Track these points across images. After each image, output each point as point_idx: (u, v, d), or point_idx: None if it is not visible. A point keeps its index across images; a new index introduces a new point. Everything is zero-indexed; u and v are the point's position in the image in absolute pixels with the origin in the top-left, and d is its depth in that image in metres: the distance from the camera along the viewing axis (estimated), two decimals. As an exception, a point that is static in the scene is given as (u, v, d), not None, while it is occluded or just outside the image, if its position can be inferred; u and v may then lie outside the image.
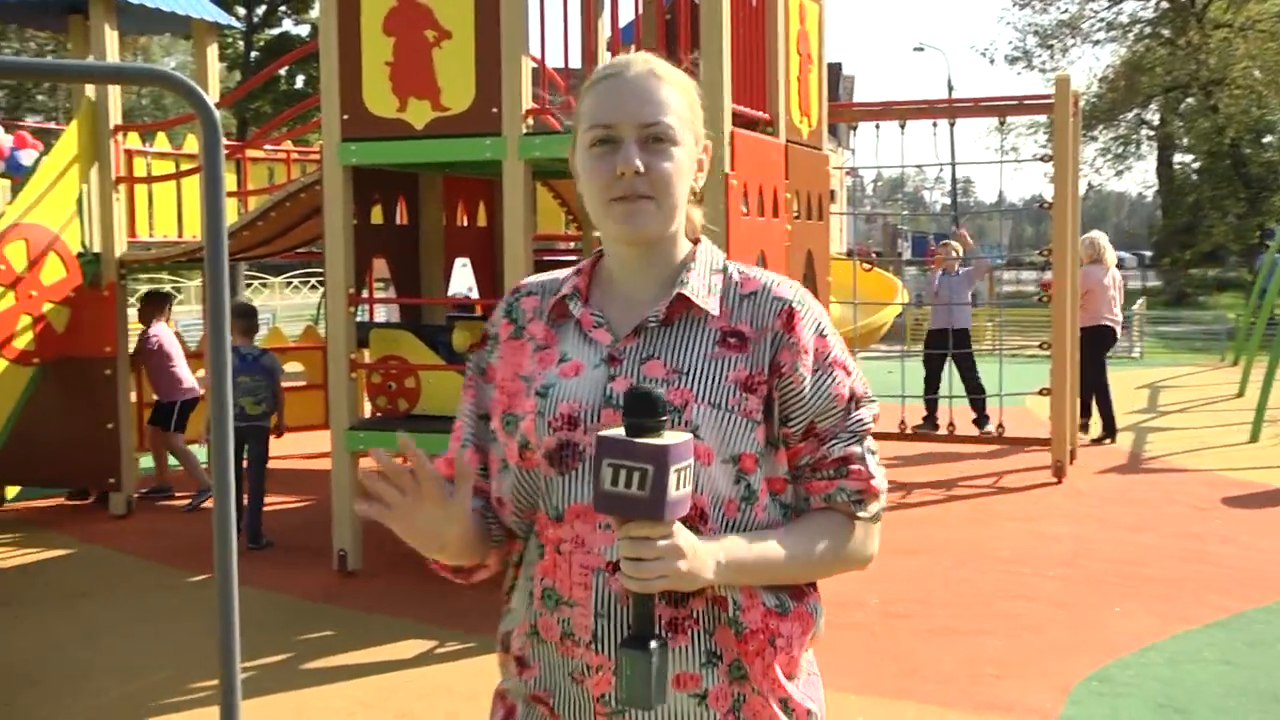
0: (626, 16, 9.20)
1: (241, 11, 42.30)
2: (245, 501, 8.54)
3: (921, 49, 74.98)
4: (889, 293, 14.34)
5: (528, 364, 2.07)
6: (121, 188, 10.07)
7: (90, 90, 10.05)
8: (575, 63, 8.24)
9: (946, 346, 12.47)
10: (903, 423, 11.48)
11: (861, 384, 2.08)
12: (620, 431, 1.77)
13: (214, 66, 11.15)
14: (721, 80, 7.06)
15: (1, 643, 6.82)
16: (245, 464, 8.66)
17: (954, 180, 34.88)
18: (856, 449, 2.04)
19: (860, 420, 2.06)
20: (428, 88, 7.51)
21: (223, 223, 2.31)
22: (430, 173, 8.86)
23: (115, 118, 10.06)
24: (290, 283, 34.24)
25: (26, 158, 11.35)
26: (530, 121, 7.42)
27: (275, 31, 46.25)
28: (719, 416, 1.95)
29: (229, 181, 11.13)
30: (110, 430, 9.70)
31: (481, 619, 6.97)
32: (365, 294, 8.91)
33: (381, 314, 14.72)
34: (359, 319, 8.38)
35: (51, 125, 12.76)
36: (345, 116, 7.66)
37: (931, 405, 12.46)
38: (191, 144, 11.41)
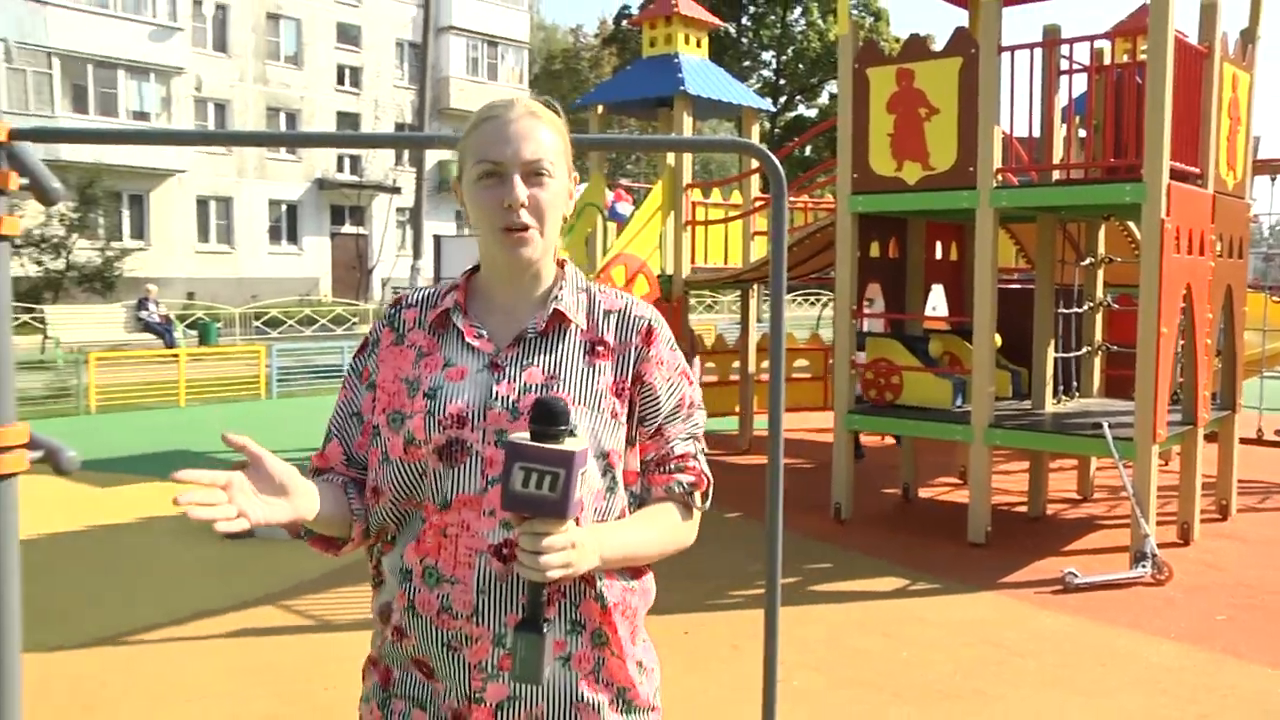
0: (1078, 89, 8.59)
1: (768, 100, 43.11)
2: None
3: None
4: (1296, 321, 12.70)
5: (409, 368, 1.78)
6: (688, 228, 10.38)
7: (670, 159, 10.40)
8: (1036, 131, 7.78)
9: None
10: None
11: (698, 393, 1.87)
12: (526, 437, 1.51)
13: (755, 141, 11.29)
14: (1162, 142, 6.43)
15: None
16: None
17: (1351, 227, 30.86)
18: (692, 448, 1.83)
19: (696, 423, 1.86)
20: (919, 152, 7.27)
21: (784, 248, 2.19)
22: (916, 218, 8.59)
23: (686, 178, 10.37)
24: (796, 299, 34.64)
25: (623, 208, 11.91)
26: (999, 178, 7.03)
27: (791, 114, 46.78)
28: (593, 417, 1.72)
29: (759, 223, 11.26)
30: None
31: (949, 567, 6.67)
32: (863, 310, 8.78)
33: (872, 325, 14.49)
34: (858, 330, 8.26)
35: (638, 185, 13.32)
36: (855, 175, 7.55)
37: None
38: (735, 197, 11.60)
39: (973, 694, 4.68)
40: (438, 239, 17.05)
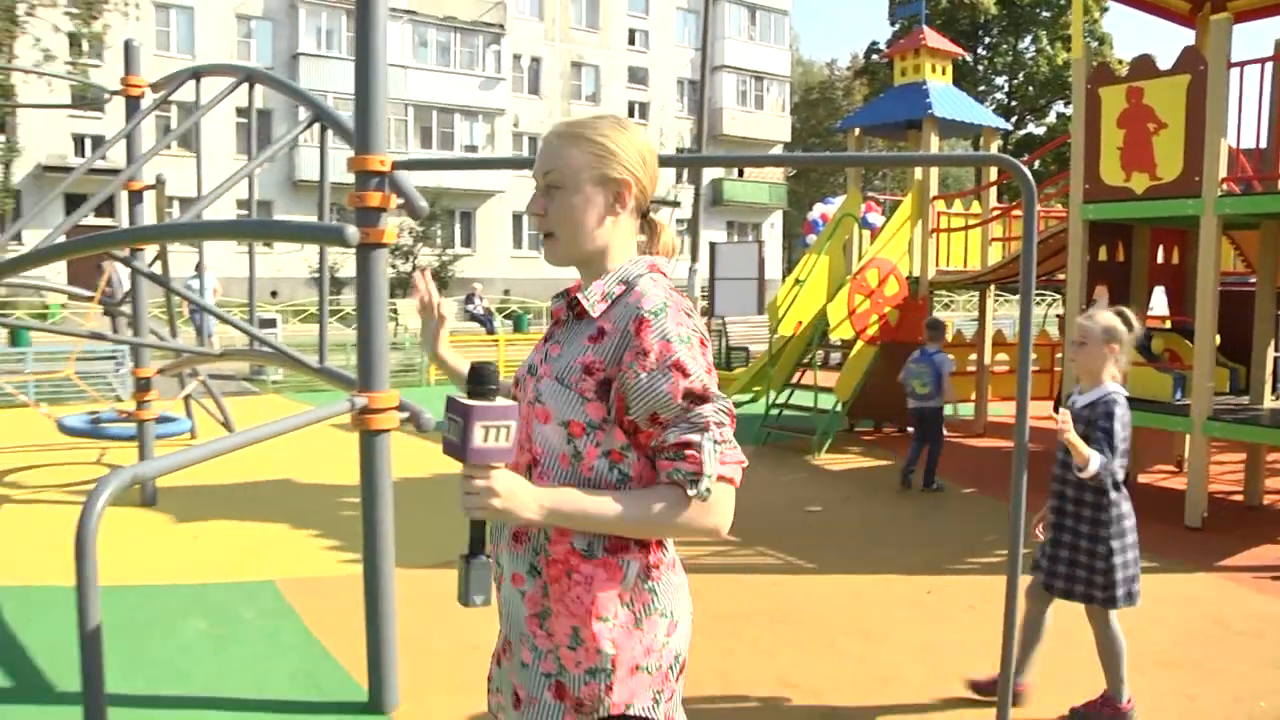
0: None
1: (1002, 119, 41.15)
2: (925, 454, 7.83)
3: None
4: None
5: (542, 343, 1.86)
6: (934, 235, 10.07)
7: (918, 173, 10.14)
8: (1262, 143, 7.06)
9: None
10: None
11: (701, 385, 1.64)
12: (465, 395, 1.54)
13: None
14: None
15: (844, 513, 7.09)
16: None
17: None
18: (695, 437, 1.63)
19: (700, 414, 1.64)
20: (1147, 164, 6.77)
21: (1033, 248, 2.14)
22: (1141, 225, 8.01)
23: (933, 190, 10.10)
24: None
25: (874, 218, 11.69)
26: (1223, 187, 6.46)
27: (1022, 132, 44.38)
28: (556, 389, 1.68)
29: (995, 230, 10.77)
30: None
31: (1167, 548, 6.21)
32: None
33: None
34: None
35: (885, 196, 13.04)
36: (1086, 186, 7.12)
37: None
38: (975, 208, 11.16)
39: (1191, 664, 4.36)
40: (713, 245, 17.25)
